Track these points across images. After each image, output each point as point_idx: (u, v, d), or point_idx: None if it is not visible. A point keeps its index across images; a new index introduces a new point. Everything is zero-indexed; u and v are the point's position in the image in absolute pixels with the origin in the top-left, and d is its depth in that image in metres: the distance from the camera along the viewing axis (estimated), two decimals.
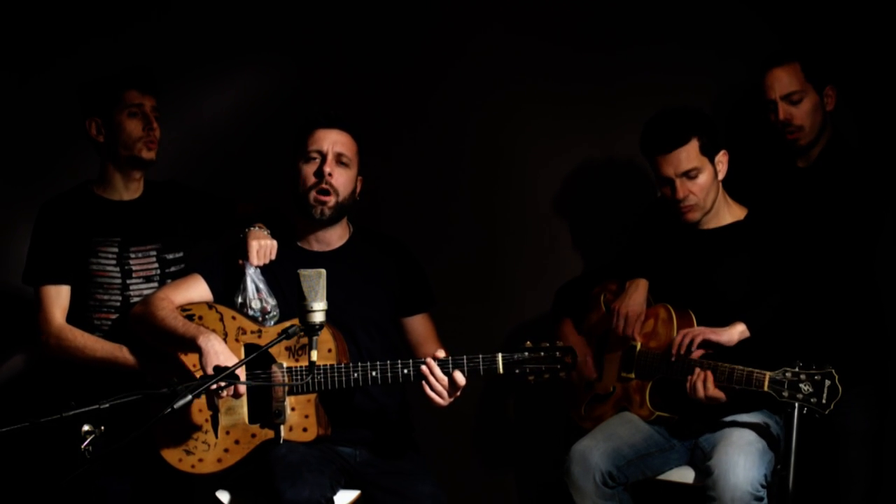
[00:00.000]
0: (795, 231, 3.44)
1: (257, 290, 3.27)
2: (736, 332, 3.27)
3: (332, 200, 3.31)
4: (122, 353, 3.31)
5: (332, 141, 3.32)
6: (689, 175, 3.37)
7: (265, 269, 3.31)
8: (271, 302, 3.27)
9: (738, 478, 3.14)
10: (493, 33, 4.12)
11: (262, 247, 3.31)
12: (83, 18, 4.09)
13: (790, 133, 3.53)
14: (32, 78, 4.09)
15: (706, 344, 3.28)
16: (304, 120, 3.39)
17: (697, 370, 3.24)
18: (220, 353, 3.09)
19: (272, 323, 3.26)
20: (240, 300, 3.27)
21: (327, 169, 3.29)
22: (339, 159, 3.32)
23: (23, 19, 4.09)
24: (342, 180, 3.32)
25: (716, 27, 3.93)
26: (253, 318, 3.26)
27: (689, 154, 3.37)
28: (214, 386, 3.05)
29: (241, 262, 3.29)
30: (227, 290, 3.32)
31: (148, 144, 3.38)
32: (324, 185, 3.29)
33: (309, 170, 3.32)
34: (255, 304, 3.25)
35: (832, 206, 3.49)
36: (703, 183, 3.39)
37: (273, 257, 3.33)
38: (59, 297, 3.36)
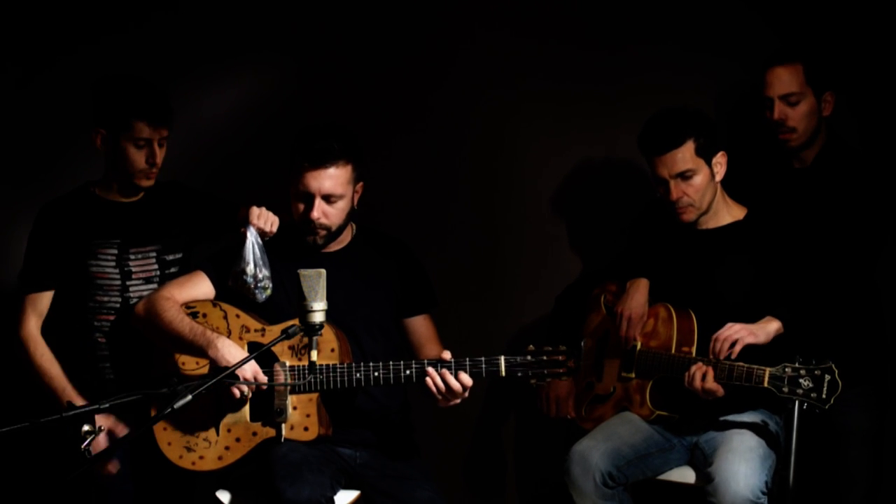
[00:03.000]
0: (795, 232, 3.44)
1: (254, 256, 3.24)
2: (772, 329, 3.26)
3: (323, 233, 3.31)
4: (65, 393, 3.29)
5: (319, 184, 3.26)
6: (684, 176, 3.38)
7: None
8: (265, 272, 3.25)
9: (738, 485, 3.15)
10: (492, 33, 4.12)
11: (263, 213, 3.31)
12: (83, 19, 4.09)
13: (782, 133, 3.54)
14: (33, 78, 4.08)
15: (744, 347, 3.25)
16: (295, 141, 3.31)
17: (698, 364, 3.24)
18: (231, 362, 3.09)
19: (264, 295, 3.26)
20: (237, 268, 3.24)
21: (315, 214, 3.26)
22: (328, 200, 3.29)
23: (23, 20, 4.08)
24: (333, 213, 3.30)
25: (716, 28, 3.94)
26: (248, 287, 3.24)
27: (683, 156, 3.37)
28: (237, 391, 3.11)
29: (242, 229, 3.28)
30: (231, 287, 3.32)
31: (148, 175, 3.37)
32: (313, 226, 3.29)
33: (299, 206, 3.30)
34: (249, 270, 3.23)
35: (834, 209, 3.49)
36: (697, 184, 3.39)
37: (275, 229, 3.32)
38: (39, 304, 3.35)
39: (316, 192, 3.27)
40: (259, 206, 3.36)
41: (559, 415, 3.63)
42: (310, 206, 3.27)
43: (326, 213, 3.28)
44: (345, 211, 3.33)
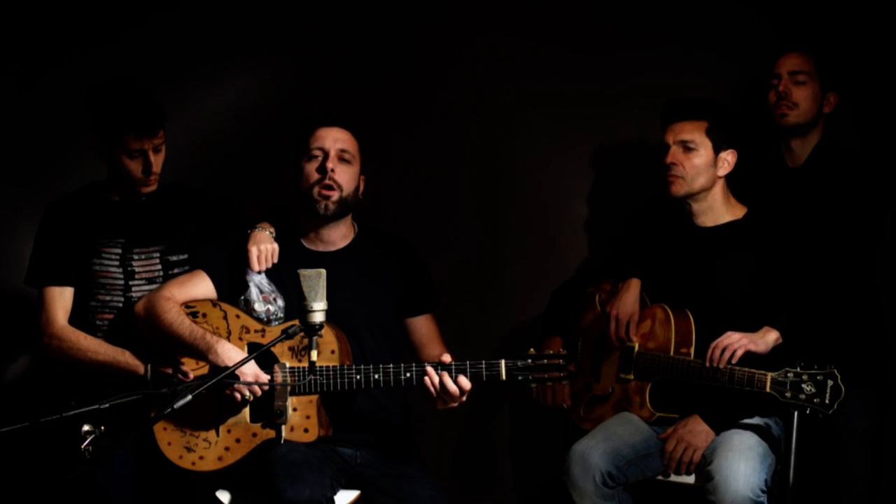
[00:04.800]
0: (791, 232, 3.44)
1: (261, 293, 3.27)
2: (771, 340, 3.26)
3: (335, 195, 3.31)
4: (124, 357, 3.29)
5: (334, 138, 3.33)
6: (686, 146, 3.40)
7: (270, 269, 3.32)
8: (277, 304, 3.27)
9: (738, 483, 3.14)
10: (493, 34, 4.12)
11: (263, 252, 3.31)
12: (84, 19, 4.09)
13: (782, 106, 3.58)
14: (34, 79, 4.09)
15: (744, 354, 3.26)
16: (304, 120, 3.40)
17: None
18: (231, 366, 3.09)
19: (277, 325, 3.26)
20: (244, 305, 3.27)
21: (330, 165, 3.30)
22: (342, 156, 3.33)
23: (24, 21, 4.08)
24: (345, 176, 3.32)
25: (715, 29, 3.95)
26: (258, 320, 3.26)
27: (693, 128, 3.41)
28: (242, 394, 3.12)
29: (245, 275, 3.29)
30: (232, 287, 3.32)
31: (147, 182, 3.36)
32: (327, 181, 3.29)
33: (311, 167, 3.32)
34: (259, 307, 3.25)
35: (831, 208, 3.50)
36: (696, 162, 3.40)
37: (275, 260, 3.32)
38: (62, 298, 3.34)
39: (331, 146, 3.31)
40: (263, 222, 3.37)
41: (555, 404, 3.61)
42: (325, 159, 3.30)
43: (339, 171, 3.31)
44: (354, 180, 3.35)
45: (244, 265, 3.29)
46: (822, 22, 3.79)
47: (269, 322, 3.26)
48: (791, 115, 3.58)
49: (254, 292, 3.27)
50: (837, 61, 3.64)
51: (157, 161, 3.34)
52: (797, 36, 3.72)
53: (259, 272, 3.29)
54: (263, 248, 3.31)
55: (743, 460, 3.18)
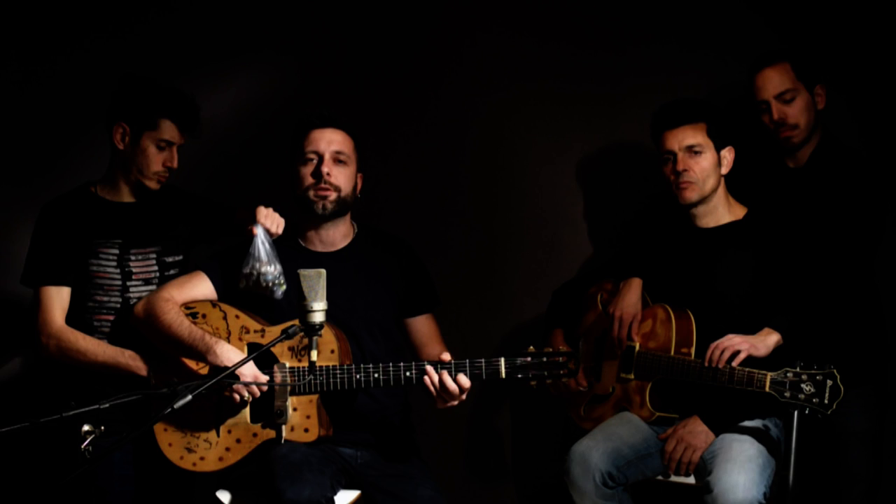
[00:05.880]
0: (792, 233, 3.44)
1: (266, 253, 3.23)
2: (772, 342, 3.26)
3: (332, 195, 3.31)
4: (124, 358, 3.29)
5: (328, 140, 3.33)
6: (693, 150, 3.40)
7: None
8: (278, 268, 3.24)
9: (737, 497, 3.15)
10: (493, 33, 4.13)
11: (270, 213, 3.32)
12: (83, 18, 4.10)
13: (784, 131, 3.55)
14: (33, 78, 4.09)
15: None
16: (298, 122, 3.39)
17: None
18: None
19: (280, 291, 3.25)
20: (247, 268, 3.23)
21: (325, 169, 3.30)
22: (337, 158, 3.33)
23: (24, 19, 4.08)
24: (342, 178, 3.32)
25: (714, 28, 3.94)
26: (264, 285, 3.23)
27: (695, 132, 3.41)
28: (241, 394, 3.12)
29: (250, 227, 3.27)
30: (231, 288, 3.32)
31: (160, 178, 3.38)
32: (323, 185, 3.29)
33: (307, 171, 3.32)
34: (264, 268, 3.21)
35: (831, 208, 3.50)
36: (704, 164, 3.41)
37: (280, 230, 3.32)
38: (59, 298, 3.34)
39: (325, 149, 3.31)
40: (264, 206, 3.36)
41: (578, 387, 3.60)
42: (320, 162, 3.30)
43: (335, 174, 3.30)
44: (351, 181, 3.35)
45: (251, 227, 3.26)
46: (821, 21, 3.78)
47: (271, 287, 3.22)
48: (796, 135, 3.55)
49: (261, 251, 3.21)
50: (812, 53, 3.59)
51: (175, 160, 3.35)
52: (777, 43, 3.69)
53: (267, 233, 3.26)
54: (271, 210, 3.32)
55: (742, 472, 3.19)
